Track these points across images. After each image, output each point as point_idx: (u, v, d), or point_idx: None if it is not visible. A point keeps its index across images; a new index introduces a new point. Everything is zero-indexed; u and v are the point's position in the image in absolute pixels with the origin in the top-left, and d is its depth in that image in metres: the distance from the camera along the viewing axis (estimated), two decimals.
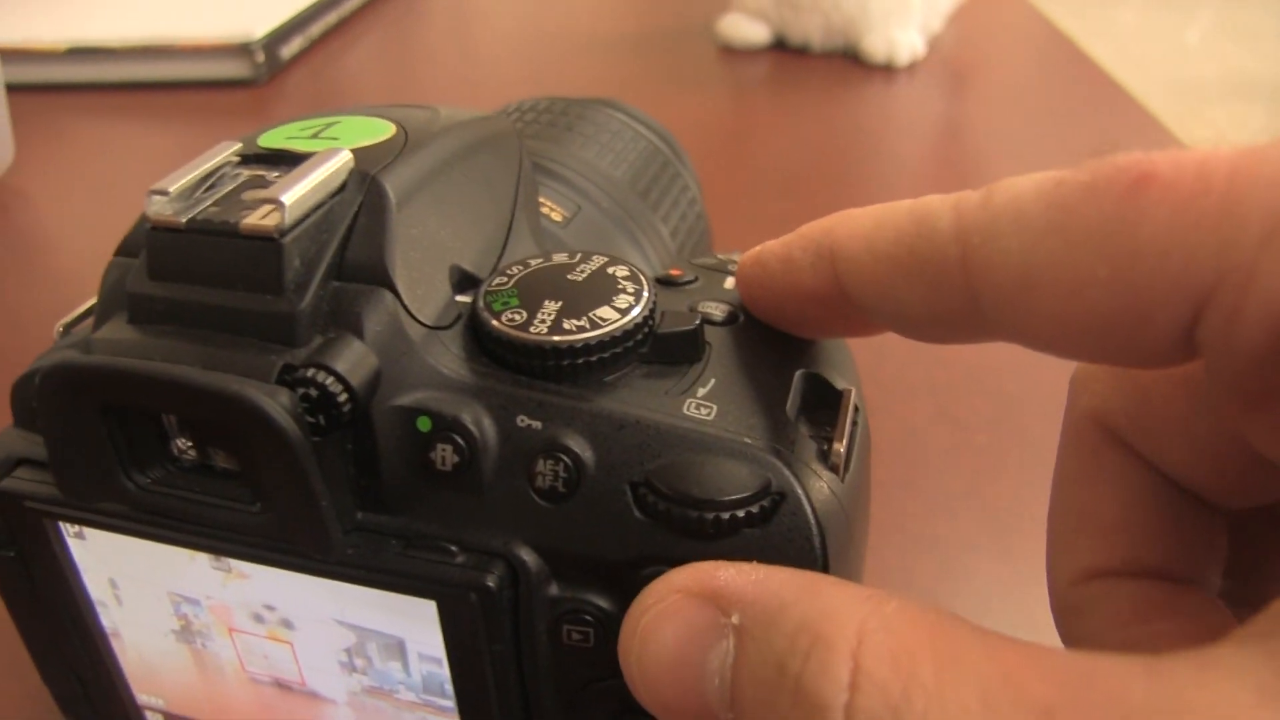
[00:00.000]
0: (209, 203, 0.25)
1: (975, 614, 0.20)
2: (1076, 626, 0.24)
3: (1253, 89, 2.77)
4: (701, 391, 0.24)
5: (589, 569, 0.24)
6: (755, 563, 0.21)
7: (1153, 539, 0.23)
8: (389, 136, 0.27)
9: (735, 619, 0.19)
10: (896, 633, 0.17)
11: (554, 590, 0.24)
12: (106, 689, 0.30)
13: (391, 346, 0.24)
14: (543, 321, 0.24)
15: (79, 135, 0.82)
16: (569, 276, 0.25)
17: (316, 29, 0.98)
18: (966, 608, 0.37)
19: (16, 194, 0.72)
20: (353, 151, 0.25)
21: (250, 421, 0.22)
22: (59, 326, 0.29)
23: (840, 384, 0.25)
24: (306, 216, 0.24)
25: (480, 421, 0.23)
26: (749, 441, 0.23)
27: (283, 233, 0.23)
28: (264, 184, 0.25)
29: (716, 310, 0.26)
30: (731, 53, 0.90)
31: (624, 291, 0.25)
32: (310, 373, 0.22)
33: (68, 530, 0.27)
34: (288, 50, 0.93)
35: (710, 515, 0.22)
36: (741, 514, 0.22)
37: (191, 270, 0.24)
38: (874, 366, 0.48)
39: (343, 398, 0.22)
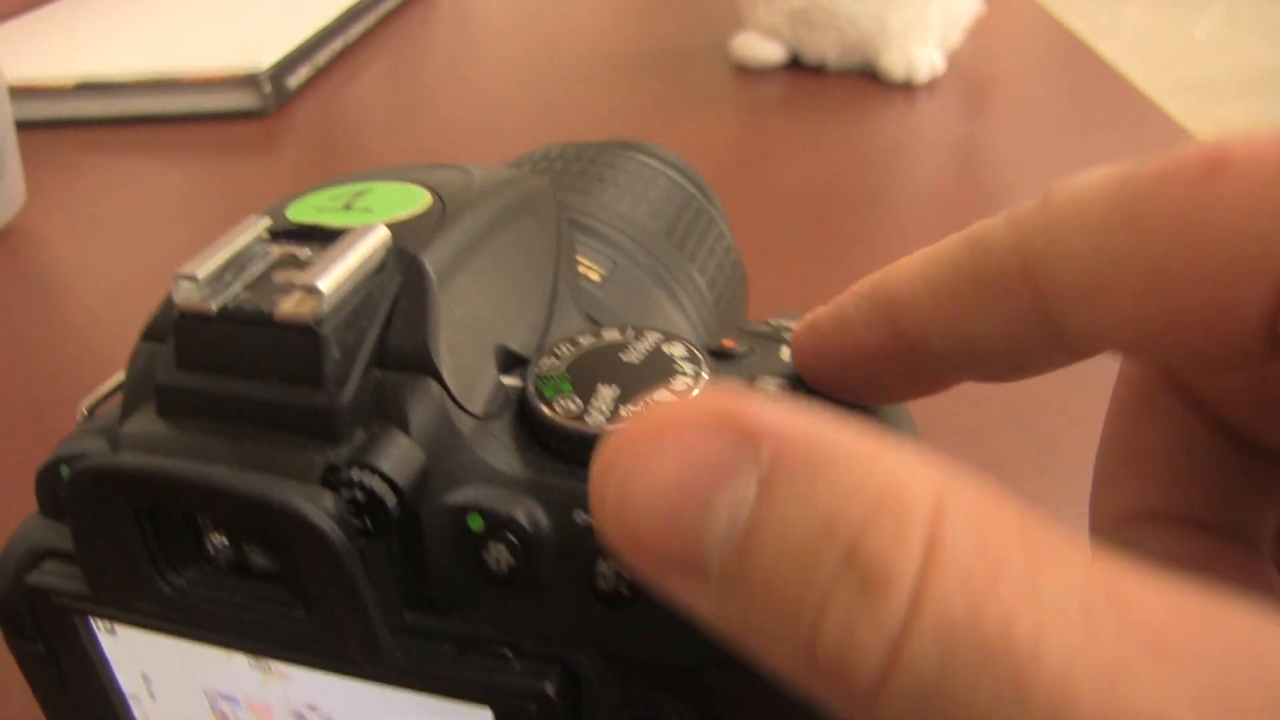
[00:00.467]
0: (239, 286, 0.23)
1: None
2: None
3: (1266, 83, 2.75)
4: None
5: (656, 673, 0.23)
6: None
7: (1203, 486, 0.22)
8: (425, 207, 0.25)
9: (765, 458, 0.15)
10: (983, 510, 0.14)
11: (618, 696, 0.23)
12: None
13: (439, 440, 0.22)
14: (599, 410, 0.22)
15: (90, 173, 0.81)
16: (622, 357, 0.24)
17: (323, 57, 0.97)
18: None
19: (30, 237, 0.71)
20: (389, 226, 0.24)
21: (292, 527, 0.21)
22: (83, 408, 0.28)
23: None
24: (344, 302, 0.23)
25: (536, 519, 0.22)
26: None
27: (320, 321, 0.22)
28: (296, 263, 0.24)
29: (773, 387, 0.25)
30: (745, 73, 0.89)
31: (681, 373, 0.23)
32: (355, 474, 0.21)
33: (98, 626, 0.26)
34: (294, 80, 0.91)
35: None
36: None
37: (224, 361, 0.23)
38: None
39: (390, 500, 0.21)
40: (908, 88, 0.83)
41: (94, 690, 0.28)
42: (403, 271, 0.23)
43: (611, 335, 0.25)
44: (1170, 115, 0.75)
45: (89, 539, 0.23)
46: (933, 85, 0.83)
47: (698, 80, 0.89)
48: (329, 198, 0.26)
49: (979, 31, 0.88)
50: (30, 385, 0.55)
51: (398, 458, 0.22)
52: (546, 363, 0.24)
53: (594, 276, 0.33)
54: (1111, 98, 0.80)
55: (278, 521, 0.21)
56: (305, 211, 0.26)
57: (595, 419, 0.22)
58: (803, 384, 0.25)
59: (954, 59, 0.86)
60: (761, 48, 0.87)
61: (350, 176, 0.28)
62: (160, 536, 0.23)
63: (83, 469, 0.22)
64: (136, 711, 0.28)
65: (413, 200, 0.26)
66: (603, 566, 0.22)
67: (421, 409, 0.22)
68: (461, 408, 0.23)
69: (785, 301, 0.27)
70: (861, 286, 0.22)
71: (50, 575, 0.26)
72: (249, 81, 0.87)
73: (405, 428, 0.22)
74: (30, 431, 0.49)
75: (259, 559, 0.24)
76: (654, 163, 0.40)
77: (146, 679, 0.27)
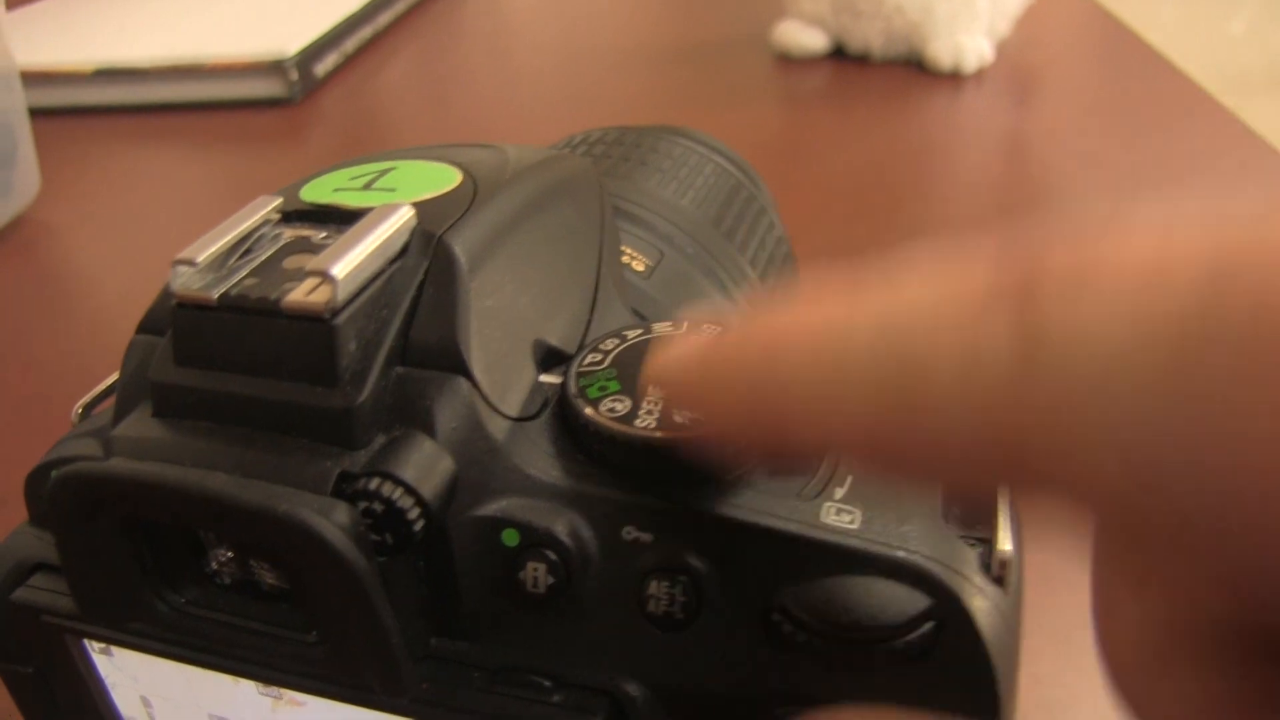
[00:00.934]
0: (244, 272, 0.21)
1: None
2: None
3: None
4: (839, 492, 0.20)
5: (712, 707, 0.20)
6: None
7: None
8: (454, 186, 0.23)
9: None
10: None
11: None
12: None
13: (469, 445, 0.20)
14: (650, 412, 0.20)
15: (108, 162, 0.79)
16: None
17: (351, 44, 0.94)
18: None
19: (43, 228, 0.69)
20: (415, 206, 0.21)
21: (302, 543, 0.18)
22: (78, 408, 0.25)
23: None
24: (362, 290, 0.20)
25: (579, 534, 0.20)
26: (904, 555, 0.19)
27: (334, 311, 0.19)
28: (309, 247, 0.21)
29: None
30: (788, 62, 0.86)
31: None
32: (373, 483, 0.19)
33: (93, 647, 0.24)
34: (322, 67, 0.89)
35: (861, 648, 0.18)
36: (899, 645, 0.18)
37: (226, 356, 0.20)
38: None
39: (413, 513, 0.19)
40: (955, 78, 0.80)
41: (89, 715, 0.25)
42: (429, 256, 0.21)
43: (664, 328, 0.22)
44: (1224, 107, 0.72)
45: (76, 553, 0.21)
46: (980, 75, 0.80)
47: (738, 70, 0.86)
48: (348, 176, 0.24)
49: (1027, 20, 0.85)
50: (36, 384, 0.53)
51: (422, 465, 0.19)
52: (589, 359, 0.21)
53: (638, 267, 0.30)
54: (1164, 89, 0.77)
55: (286, 537, 0.18)
56: (321, 191, 0.23)
57: (646, 422, 0.20)
58: None
59: (1002, 48, 0.83)
60: (804, 36, 0.85)
61: (372, 155, 0.25)
62: (156, 551, 0.21)
63: (66, 476, 0.20)
64: None
65: (441, 179, 0.23)
66: (655, 586, 0.19)
67: (449, 410, 0.20)
68: (494, 409, 0.20)
69: None
70: None
71: (39, 591, 0.23)
72: (275, 68, 0.84)
73: (431, 431, 0.20)
74: (34, 434, 0.47)
75: (266, 577, 0.21)
76: (699, 148, 0.38)
77: (147, 703, 0.25)
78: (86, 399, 0.25)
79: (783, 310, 0.16)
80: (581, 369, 0.21)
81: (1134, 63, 0.83)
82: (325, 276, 0.19)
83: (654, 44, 0.94)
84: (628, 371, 0.21)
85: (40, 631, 0.24)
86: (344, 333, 0.19)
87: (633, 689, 0.20)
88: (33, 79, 0.78)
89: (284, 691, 0.22)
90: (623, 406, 0.20)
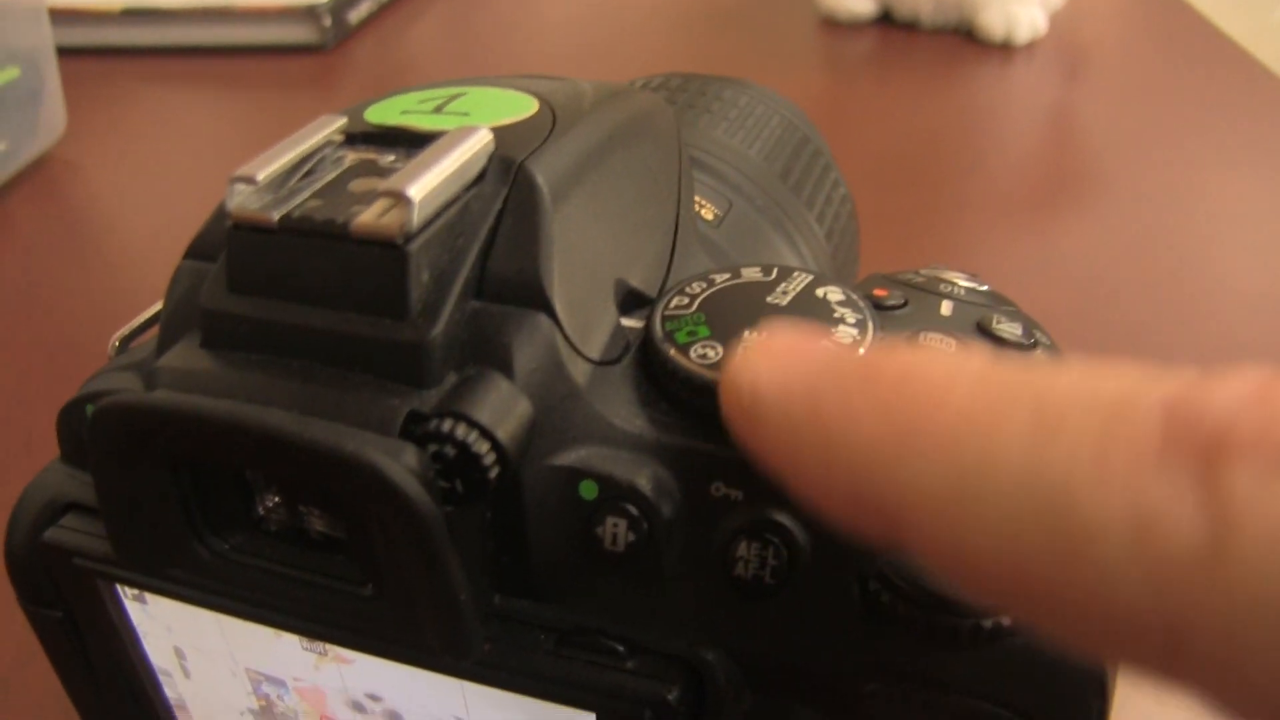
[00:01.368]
0: (308, 194, 0.19)
1: None
2: None
3: None
4: None
5: (796, 679, 0.19)
6: None
7: None
8: (532, 114, 0.21)
9: None
10: None
11: (748, 704, 0.19)
12: None
13: (549, 388, 0.18)
14: None
15: (135, 103, 0.78)
16: (769, 299, 0.20)
17: None
18: None
19: (68, 166, 0.67)
20: (492, 131, 0.20)
21: (365, 487, 0.17)
22: (115, 340, 0.24)
23: None
24: (437, 216, 0.18)
25: (663, 489, 0.18)
26: None
27: (409, 237, 0.18)
28: (377, 170, 0.20)
29: (947, 343, 0.20)
30: (833, 26, 0.84)
31: (844, 322, 0.19)
32: (445, 424, 0.17)
33: (126, 592, 0.22)
34: (356, 15, 0.87)
35: (965, 620, 0.17)
36: (1004, 622, 0.17)
37: (286, 283, 0.19)
38: None
39: (489, 458, 0.17)
40: (1005, 48, 0.78)
41: (120, 664, 0.24)
42: (508, 184, 0.19)
43: (752, 274, 0.20)
44: None
45: (113, 493, 0.20)
46: (1032, 46, 0.78)
47: (783, 32, 0.84)
48: (417, 99, 0.22)
49: None
50: (64, 322, 0.52)
51: (498, 407, 0.17)
52: (676, 301, 0.20)
53: (707, 215, 0.28)
54: (1224, 68, 0.75)
55: (349, 480, 0.17)
56: (388, 113, 0.22)
57: None
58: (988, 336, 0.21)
59: (1055, 20, 0.81)
60: (852, 0, 0.83)
61: (443, 81, 0.24)
62: (200, 492, 0.19)
63: (107, 406, 0.18)
64: (168, 690, 0.24)
65: (517, 106, 0.22)
66: (743, 548, 0.18)
67: (529, 349, 0.18)
68: (576, 350, 0.19)
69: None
70: None
71: (71, 532, 0.22)
72: (308, 13, 0.83)
73: (508, 371, 0.18)
74: (62, 372, 0.46)
75: (317, 524, 0.20)
76: (765, 99, 0.36)
77: (180, 654, 0.23)
78: (125, 330, 0.24)
79: (914, 379, 0.14)
80: (668, 312, 0.20)
81: (1193, 38, 0.81)
82: (401, 198, 0.18)
83: (696, 2, 0.93)
84: (718, 316, 0.19)
85: (71, 575, 0.22)
86: (417, 261, 0.18)
87: (713, 657, 0.19)
88: (61, 16, 0.76)
89: (330, 647, 0.21)
90: (714, 353, 0.19)
